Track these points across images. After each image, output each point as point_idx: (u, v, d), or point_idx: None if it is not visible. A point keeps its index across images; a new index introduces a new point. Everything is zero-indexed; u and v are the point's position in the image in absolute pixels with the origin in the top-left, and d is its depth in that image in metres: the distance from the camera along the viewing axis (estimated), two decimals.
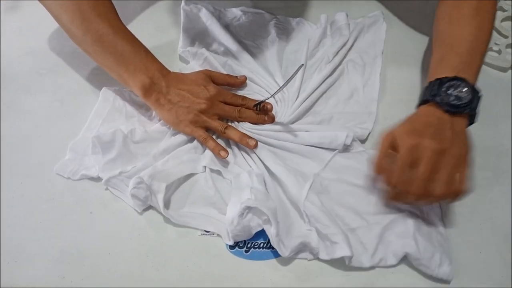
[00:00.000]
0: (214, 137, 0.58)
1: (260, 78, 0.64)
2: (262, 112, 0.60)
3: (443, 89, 0.50)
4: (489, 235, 0.53)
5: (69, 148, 0.58)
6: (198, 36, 0.69)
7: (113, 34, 0.56)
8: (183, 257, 0.51)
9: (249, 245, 0.52)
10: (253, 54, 0.67)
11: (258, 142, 0.57)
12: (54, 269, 0.50)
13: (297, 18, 0.72)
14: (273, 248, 0.51)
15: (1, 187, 0.56)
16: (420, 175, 0.47)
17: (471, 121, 0.52)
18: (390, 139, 0.50)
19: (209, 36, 0.68)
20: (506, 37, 0.70)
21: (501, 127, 0.62)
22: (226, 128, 0.57)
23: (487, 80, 0.66)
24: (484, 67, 0.67)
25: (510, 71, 0.67)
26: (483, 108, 0.63)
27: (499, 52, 0.69)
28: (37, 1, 0.60)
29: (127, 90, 0.63)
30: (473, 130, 0.60)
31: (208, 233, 0.52)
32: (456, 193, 0.48)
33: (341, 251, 0.48)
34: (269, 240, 0.51)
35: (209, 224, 0.52)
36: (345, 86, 0.64)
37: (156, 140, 0.58)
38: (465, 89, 0.50)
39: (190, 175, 0.56)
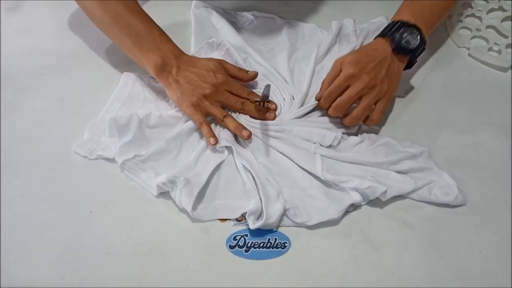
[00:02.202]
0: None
1: (275, 78, 0.64)
2: (264, 109, 0.60)
3: (400, 30, 0.59)
4: (489, 235, 0.53)
5: (88, 128, 0.60)
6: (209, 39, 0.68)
7: (129, 15, 0.59)
8: (183, 257, 0.51)
9: (249, 245, 0.52)
10: (265, 58, 0.67)
11: (253, 137, 0.58)
12: (54, 269, 0.50)
13: (310, 24, 0.72)
14: (273, 247, 0.51)
15: (1, 187, 0.56)
16: (345, 98, 0.57)
17: (409, 66, 0.61)
18: (339, 65, 0.58)
19: (221, 39, 0.68)
20: (506, 37, 0.70)
21: (501, 127, 0.62)
22: (225, 116, 0.58)
23: (487, 80, 0.66)
24: (484, 67, 0.68)
25: (510, 71, 0.67)
26: (483, 108, 0.63)
27: (499, 52, 0.69)
28: (37, 1, 0.60)
29: (147, 76, 0.64)
30: (473, 130, 0.61)
31: (240, 222, 0.53)
32: (368, 119, 0.58)
33: (377, 190, 0.52)
34: (269, 239, 0.52)
35: (238, 210, 0.53)
36: None
37: (170, 125, 0.59)
38: (417, 37, 0.59)
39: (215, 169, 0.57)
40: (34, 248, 0.51)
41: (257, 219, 0.52)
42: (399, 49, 0.58)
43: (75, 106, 0.63)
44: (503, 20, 0.72)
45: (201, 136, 0.59)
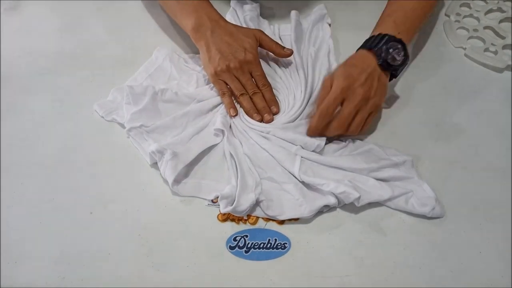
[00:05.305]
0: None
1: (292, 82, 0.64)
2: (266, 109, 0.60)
3: (385, 47, 0.57)
4: (489, 235, 0.53)
5: (112, 91, 0.63)
6: None
7: None
8: (183, 257, 0.51)
9: (249, 245, 0.52)
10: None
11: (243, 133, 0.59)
12: (54, 269, 0.50)
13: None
14: (273, 248, 0.51)
15: (1, 187, 0.56)
16: (345, 114, 0.55)
17: (391, 78, 0.60)
18: (329, 81, 0.56)
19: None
20: (503, 38, 0.70)
21: (500, 127, 0.62)
22: (242, 94, 0.60)
23: (486, 80, 0.67)
24: (479, 67, 0.68)
25: (505, 71, 0.67)
26: (482, 108, 0.63)
27: (495, 52, 0.69)
28: (37, 1, 0.60)
29: (178, 55, 0.67)
30: (473, 129, 0.61)
31: (215, 204, 0.54)
32: (361, 132, 0.57)
33: (351, 196, 0.52)
34: (269, 240, 0.52)
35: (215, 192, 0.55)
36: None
37: (183, 103, 0.61)
38: (402, 53, 0.57)
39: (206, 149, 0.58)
40: (34, 248, 0.51)
41: (231, 204, 0.52)
42: (386, 66, 0.57)
43: (75, 106, 0.63)
44: (501, 21, 0.72)
45: (207, 118, 0.60)
